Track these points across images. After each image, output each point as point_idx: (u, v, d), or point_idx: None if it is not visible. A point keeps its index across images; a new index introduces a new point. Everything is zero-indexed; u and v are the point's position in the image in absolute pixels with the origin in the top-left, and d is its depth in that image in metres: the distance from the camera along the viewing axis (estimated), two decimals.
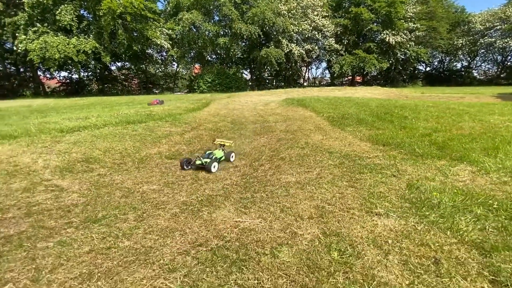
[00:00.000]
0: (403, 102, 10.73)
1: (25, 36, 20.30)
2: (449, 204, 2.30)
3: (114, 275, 1.60)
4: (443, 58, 42.14)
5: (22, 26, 20.63)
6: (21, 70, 28.49)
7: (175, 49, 27.81)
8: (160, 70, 34.35)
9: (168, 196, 3.00)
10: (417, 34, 31.19)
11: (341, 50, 31.96)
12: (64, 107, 12.54)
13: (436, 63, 43.20)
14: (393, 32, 30.41)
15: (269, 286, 1.47)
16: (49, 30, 20.80)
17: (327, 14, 30.88)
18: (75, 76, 29.48)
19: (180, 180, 3.59)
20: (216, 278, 1.55)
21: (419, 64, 38.73)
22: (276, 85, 34.31)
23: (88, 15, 24.31)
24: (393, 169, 3.44)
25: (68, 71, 28.89)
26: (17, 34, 20.89)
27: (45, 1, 19.71)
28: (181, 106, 10.60)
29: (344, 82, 39.38)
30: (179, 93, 28.62)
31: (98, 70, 28.96)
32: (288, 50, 27.51)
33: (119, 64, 31.47)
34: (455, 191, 2.59)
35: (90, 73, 30.02)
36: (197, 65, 32.27)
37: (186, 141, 5.88)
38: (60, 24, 20.76)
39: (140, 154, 4.89)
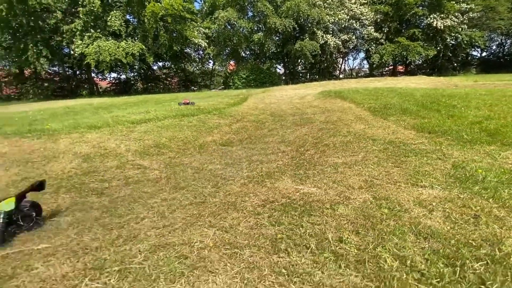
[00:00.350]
0: (451, 91, 10.11)
1: (81, 42, 22.64)
2: (494, 180, 2.50)
3: (217, 215, 2.22)
4: (503, 41, 37.14)
5: (78, 32, 22.85)
6: (77, 72, 32.31)
7: (211, 47, 29.09)
8: (197, 68, 36.24)
9: (232, 172, 3.61)
10: (471, 15, 27.93)
11: (381, 38, 30.16)
12: (120, 104, 14.18)
13: (494, 47, 38.27)
14: (442, 15, 27.65)
15: (334, 224, 1.93)
16: (101, 35, 23.21)
17: (366, 1, 29.36)
18: (123, 76, 32.61)
19: (238, 162, 4.19)
20: (292, 219, 2.07)
21: (472, 49, 34.71)
22: (310, 78, 33.81)
23: (134, 20, 26.66)
24: (439, 153, 3.60)
25: (117, 72, 32.07)
26: (73, 40, 23.34)
27: (95, 9, 22.04)
28: (223, 101, 11.39)
29: (384, 73, 37.16)
30: (215, 90, 29.97)
31: (143, 70, 31.66)
32: (323, 41, 26.91)
33: (160, 64, 33.97)
34: (502, 170, 2.74)
35: (135, 73, 32.94)
36: (232, 62, 33.30)
37: (235, 131, 6.54)
38: (110, 29, 23.06)
39: (199, 141, 5.66)
